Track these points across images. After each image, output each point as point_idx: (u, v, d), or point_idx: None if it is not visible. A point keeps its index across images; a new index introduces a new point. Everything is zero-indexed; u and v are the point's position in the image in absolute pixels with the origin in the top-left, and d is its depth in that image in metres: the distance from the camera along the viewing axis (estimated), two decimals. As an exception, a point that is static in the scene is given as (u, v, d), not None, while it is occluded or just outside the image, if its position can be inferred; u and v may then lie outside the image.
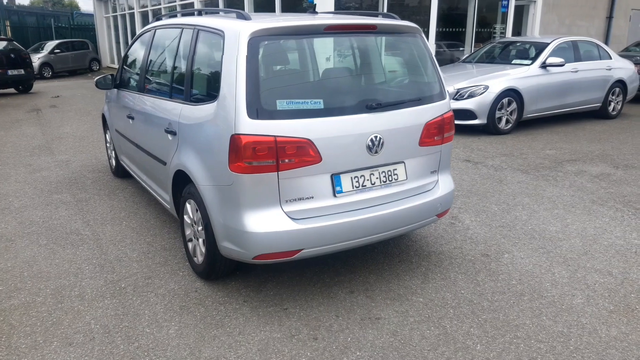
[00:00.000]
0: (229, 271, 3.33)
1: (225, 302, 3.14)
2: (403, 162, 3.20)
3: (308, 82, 3.12)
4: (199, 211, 3.20)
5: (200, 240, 3.29)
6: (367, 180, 3.08)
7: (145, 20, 19.34)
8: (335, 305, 3.10)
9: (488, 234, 4.17)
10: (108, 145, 5.81)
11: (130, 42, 5.36)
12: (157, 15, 4.53)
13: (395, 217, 3.13)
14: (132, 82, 4.59)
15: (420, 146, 3.23)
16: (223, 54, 2.90)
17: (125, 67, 4.86)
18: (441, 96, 3.36)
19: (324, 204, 2.95)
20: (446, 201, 3.44)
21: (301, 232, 2.85)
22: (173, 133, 3.40)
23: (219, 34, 3.00)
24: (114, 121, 5.10)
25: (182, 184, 3.46)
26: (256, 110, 2.74)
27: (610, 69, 9.31)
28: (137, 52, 4.53)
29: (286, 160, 2.78)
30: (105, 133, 5.88)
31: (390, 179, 3.16)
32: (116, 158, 5.45)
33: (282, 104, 2.80)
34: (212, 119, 2.93)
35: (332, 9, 10.21)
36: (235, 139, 2.75)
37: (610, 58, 9.47)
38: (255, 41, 2.80)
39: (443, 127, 3.34)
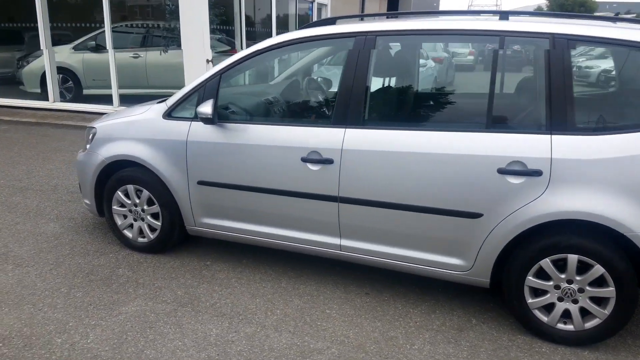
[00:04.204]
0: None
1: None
2: None
3: None
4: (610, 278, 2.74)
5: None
6: None
7: None
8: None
9: None
10: (123, 210, 3.81)
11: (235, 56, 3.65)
12: (340, 17, 3.27)
13: None
14: (318, 114, 3.58)
15: None
16: None
17: (254, 92, 3.41)
18: None
19: None
20: None
21: None
22: (530, 174, 2.74)
23: None
24: (208, 172, 3.45)
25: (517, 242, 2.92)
26: None
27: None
28: (312, 71, 3.28)
29: None
30: (105, 193, 3.82)
31: None
32: (171, 224, 3.66)
33: None
34: None
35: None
36: None
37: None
38: None
39: None
